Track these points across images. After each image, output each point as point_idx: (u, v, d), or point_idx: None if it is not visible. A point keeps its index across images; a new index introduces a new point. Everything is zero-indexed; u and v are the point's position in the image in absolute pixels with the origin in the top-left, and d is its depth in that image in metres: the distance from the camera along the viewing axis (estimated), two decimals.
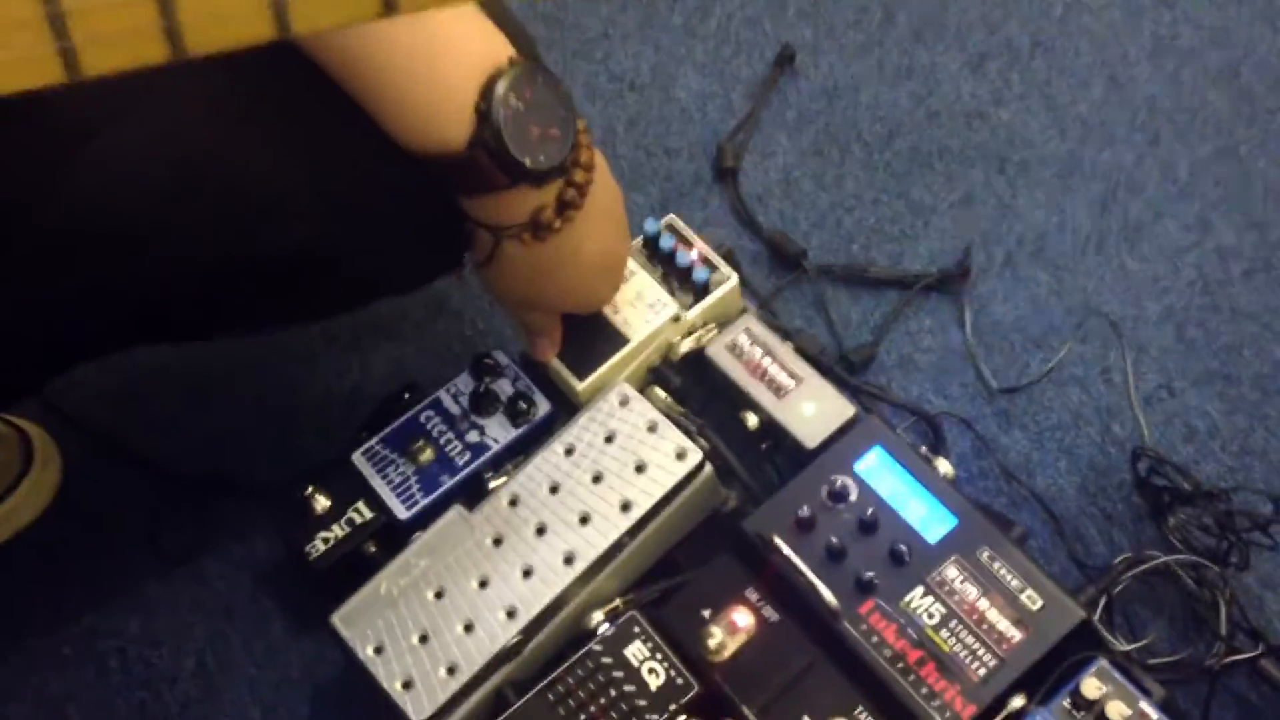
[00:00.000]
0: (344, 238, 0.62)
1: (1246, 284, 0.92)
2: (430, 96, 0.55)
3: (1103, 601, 0.75)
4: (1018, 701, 0.62)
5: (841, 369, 0.87)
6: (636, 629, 0.67)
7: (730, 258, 0.80)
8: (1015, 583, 0.64)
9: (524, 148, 0.56)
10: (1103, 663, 0.63)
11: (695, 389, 0.77)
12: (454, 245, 0.67)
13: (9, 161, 0.51)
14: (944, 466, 0.70)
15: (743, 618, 0.66)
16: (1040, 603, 0.64)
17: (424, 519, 0.71)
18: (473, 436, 0.75)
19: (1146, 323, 0.90)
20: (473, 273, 0.67)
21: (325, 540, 0.73)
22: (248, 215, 0.59)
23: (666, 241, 0.78)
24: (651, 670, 0.66)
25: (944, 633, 0.63)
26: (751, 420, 0.74)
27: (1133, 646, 0.73)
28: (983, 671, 0.62)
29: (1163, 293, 0.92)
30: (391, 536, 0.72)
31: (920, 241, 0.96)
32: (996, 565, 0.65)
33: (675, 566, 0.73)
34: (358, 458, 0.74)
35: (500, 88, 0.55)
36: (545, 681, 0.66)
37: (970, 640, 0.63)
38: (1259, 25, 1.07)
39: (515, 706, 0.66)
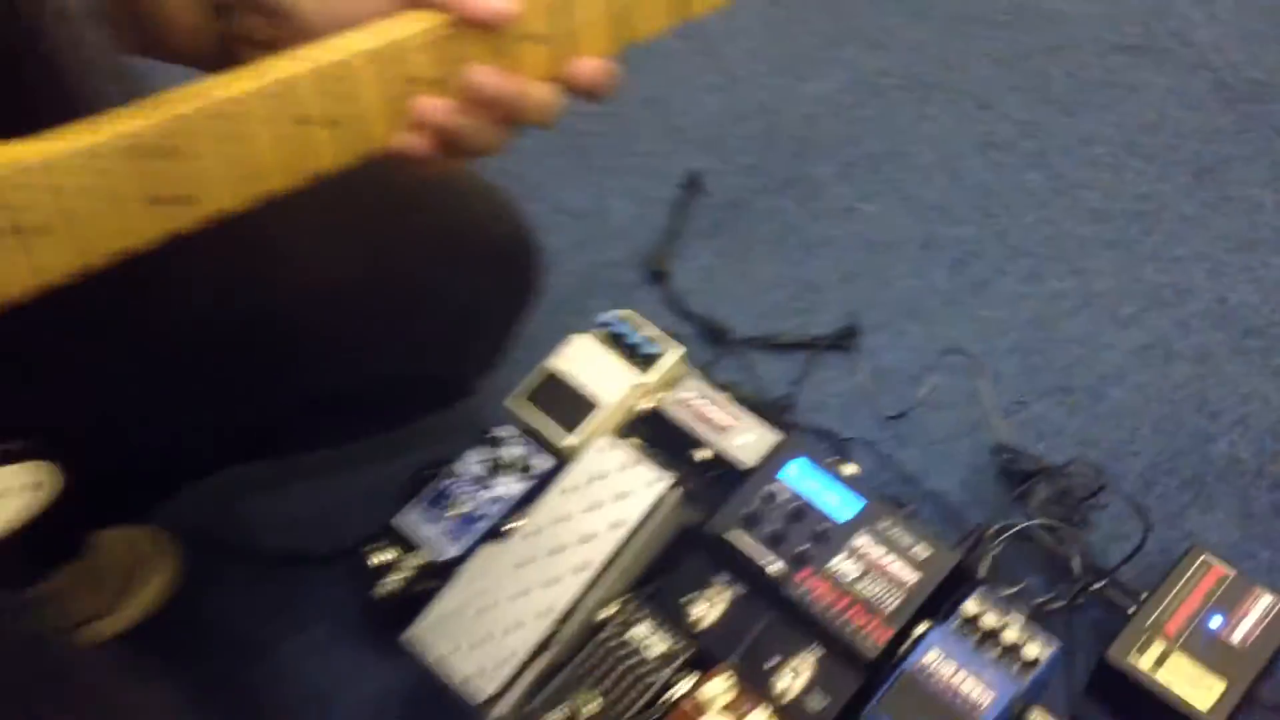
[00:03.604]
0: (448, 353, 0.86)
1: (1073, 319, 1.19)
2: None
3: (987, 563, 0.98)
4: (922, 626, 0.85)
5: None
6: (637, 615, 0.89)
7: (673, 338, 1.04)
8: (908, 541, 0.88)
9: None
10: (981, 590, 0.86)
11: (656, 438, 1.00)
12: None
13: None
14: (849, 469, 0.94)
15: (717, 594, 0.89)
16: (929, 553, 0.87)
17: (462, 559, 0.93)
18: (493, 494, 0.97)
19: (998, 355, 1.16)
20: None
21: (384, 585, 0.94)
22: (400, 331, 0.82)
23: (622, 328, 1.02)
24: (651, 644, 0.88)
25: (861, 583, 0.86)
26: (701, 454, 0.97)
27: (1009, 591, 0.97)
28: (894, 606, 0.85)
29: (1008, 331, 1.18)
30: (437, 575, 0.93)
31: (817, 313, 1.21)
32: (894, 531, 0.88)
33: (659, 572, 0.95)
34: (398, 521, 0.96)
35: None
36: (574, 663, 0.87)
37: (881, 586, 0.86)
38: (1060, 118, 1.36)
39: (554, 683, 0.87)
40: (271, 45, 0.56)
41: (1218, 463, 1.07)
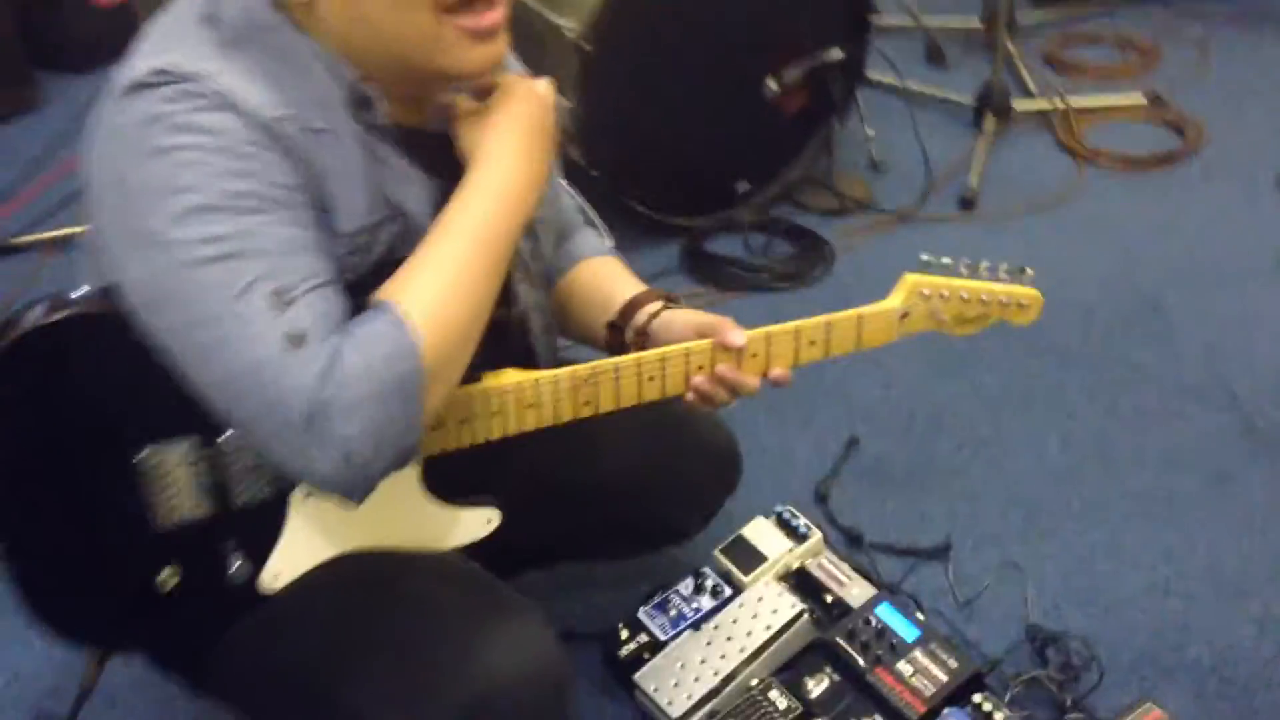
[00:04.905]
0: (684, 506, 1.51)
1: (1107, 559, 1.71)
2: None
3: (1007, 694, 1.50)
4: (947, 709, 1.38)
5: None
6: (773, 684, 1.46)
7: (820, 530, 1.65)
8: (945, 658, 1.42)
9: None
10: (986, 691, 1.39)
11: (800, 584, 1.59)
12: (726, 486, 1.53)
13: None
14: (919, 615, 1.50)
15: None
16: (956, 664, 1.41)
17: (672, 640, 1.53)
18: (695, 606, 1.57)
19: (1048, 575, 1.69)
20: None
21: (625, 650, 1.54)
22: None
23: (789, 517, 1.64)
24: (779, 702, 1.44)
25: (914, 678, 1.41)
26: (826, 595, 1.55)
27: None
28: (930, 693, 1.39)
29: (1058, 561, 1.71)
30: (656, 649, 1.53)
31: (925, 533, 1.78)
32: (936, 650, 1.43)
33: (791, 663, 1.52)
34: (639, 615, 1.57)
35: None
36: (731, 707, 1.44)
37: (925, 681, 1.40)
38: (1120, 430, 1.93)
39: (716, 716, 1.44)
40: (636, 345, 1.26)
41: (1187, 663, 1.55)
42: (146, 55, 0.98)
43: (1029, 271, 1.38)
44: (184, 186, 0.95)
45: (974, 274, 1.36)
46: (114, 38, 3.11)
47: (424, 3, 1.00)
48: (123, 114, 0.97)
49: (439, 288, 1.02)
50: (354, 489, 0.99)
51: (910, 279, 1.33)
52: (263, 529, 1.13)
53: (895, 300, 1.32)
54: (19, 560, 1.08)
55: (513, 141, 1.10)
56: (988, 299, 1.36)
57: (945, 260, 1.35)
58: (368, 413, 0.95)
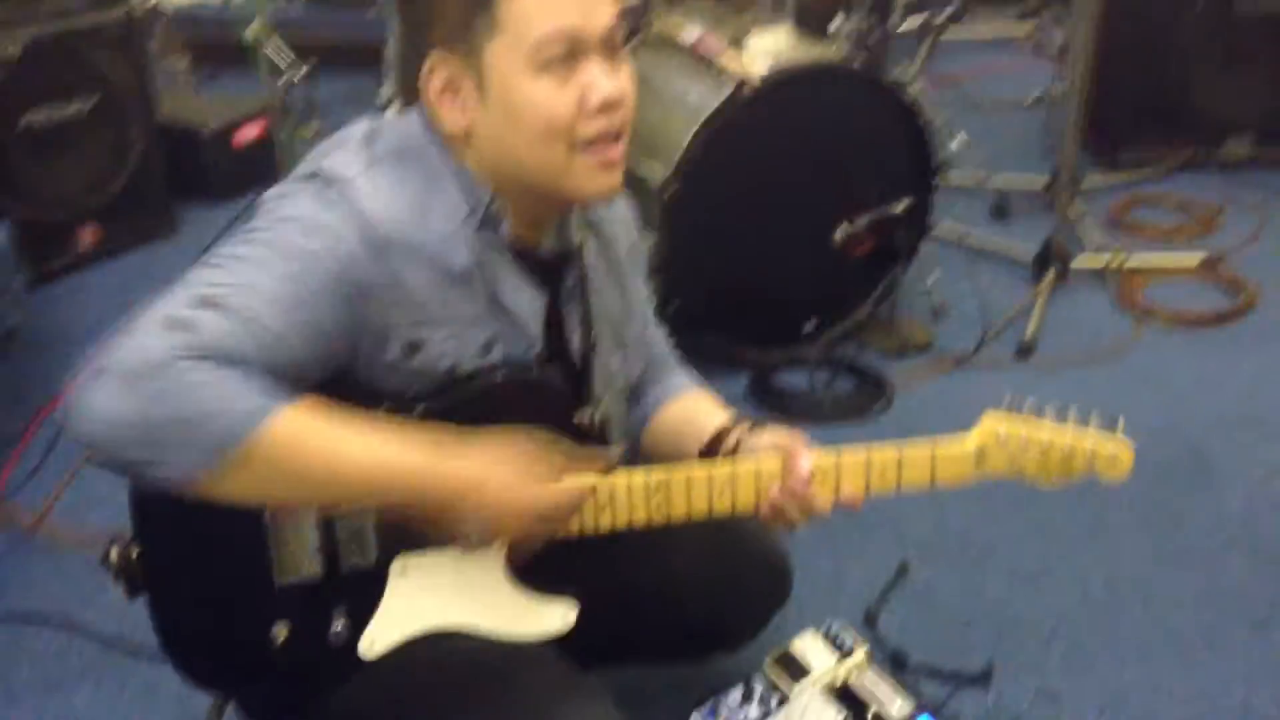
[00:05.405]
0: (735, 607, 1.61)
1: (1139, 687, 1.78)
2: None
3: None
4: None
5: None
6: None
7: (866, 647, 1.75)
8: None
9: None
10: None
11: (843, 696, 1.68)
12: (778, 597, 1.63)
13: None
14: None
15: None
16: None
17: None
18: (744, 714, 1.67)
19: (1087, 708, 1.77)
20: None
21: None
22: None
23: (839, 633, 1.74)
24: None
25: None
26: (872, 709, 1.65)
27: None
28: None
29: (1098, 693, 1.79)
30: None
31: (965, 659, 1.86)
32: None
33: None
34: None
35: None
36: None
37: None
38: (1169, 570, 2.01)
39: None
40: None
41: None
42: (314, 159, 1.23)
43: (1120, 424, 1.32)
44: (265, 241, 1.15)
45: (1061, 420, 1.32)
46: (249, 172, 3.49)
47: (562, 141, 1.20)
48: (279, 193, 1.21)
49: (317, 442, 1.09)
50: (97, 449, 1.03)
51: (989, 420, 1.32)
52: (364, 597, 1.28)
53: (971, 442, 1.34)
54: (163, 607, 1.25)
55: (487, 508, 1.19)
56: (1072, 449, 1.31)
57: (1029, 405, 1.33)
58: (150, 411, 1.01)
